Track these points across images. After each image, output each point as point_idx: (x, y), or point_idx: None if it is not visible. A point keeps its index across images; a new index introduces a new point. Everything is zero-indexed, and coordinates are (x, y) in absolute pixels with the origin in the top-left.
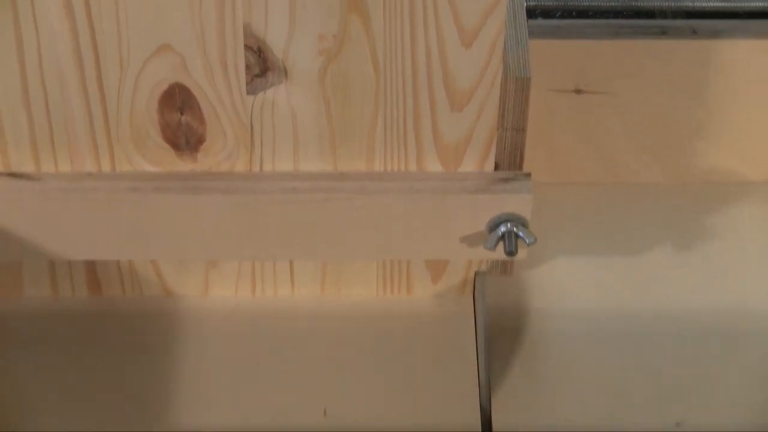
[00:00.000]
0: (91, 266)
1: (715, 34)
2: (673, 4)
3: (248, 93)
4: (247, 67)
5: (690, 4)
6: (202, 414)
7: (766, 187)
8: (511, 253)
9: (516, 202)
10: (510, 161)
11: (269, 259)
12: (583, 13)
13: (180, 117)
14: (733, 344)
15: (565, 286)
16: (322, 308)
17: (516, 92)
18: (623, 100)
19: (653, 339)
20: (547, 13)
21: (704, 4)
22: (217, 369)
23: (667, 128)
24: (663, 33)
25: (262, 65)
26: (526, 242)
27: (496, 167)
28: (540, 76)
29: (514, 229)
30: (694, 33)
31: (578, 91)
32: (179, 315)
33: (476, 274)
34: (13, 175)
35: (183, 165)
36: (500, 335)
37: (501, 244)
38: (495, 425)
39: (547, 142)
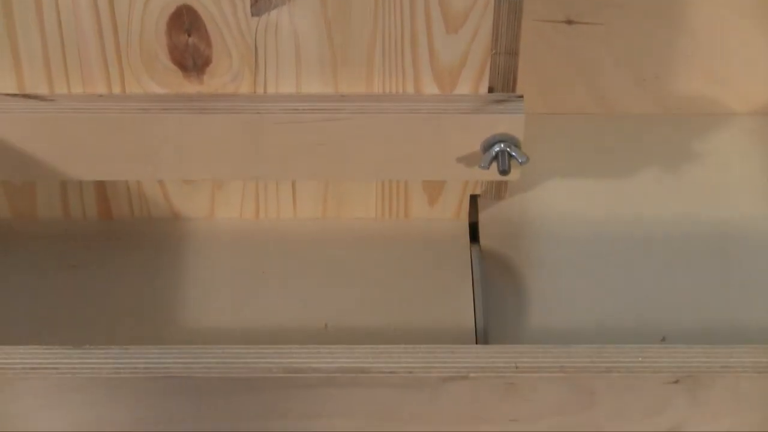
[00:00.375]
0: (101, 189)
1: None
2: None
3: (253, 15)
4: None
5: None
6: (206, 325)
7: (748, 118)
8: (504, 171)
9: (509, 122)
10: (503, 84)
11: (272, 178)
12: None
13: (187, 39)
14: (719, 254)
15: (556, 206)
16: (324, 230)
17: (509, 15)
18: (613, 31)
19: (642, 254)
20: None
21: None
22: (222, 284)
23: (656, 59)
24: None
25: None
26: (518, 161)
27: (490, 90)
28: (531, 7)
29: (508, 149)
30: None
31: (569, 22)
32: (186, 236)
33: (471, 197)
34: (27, 96)
35: (190, 87)
36: (493, 252)
37: (495, 164)
38: (489, 335)
39: (538, 72)
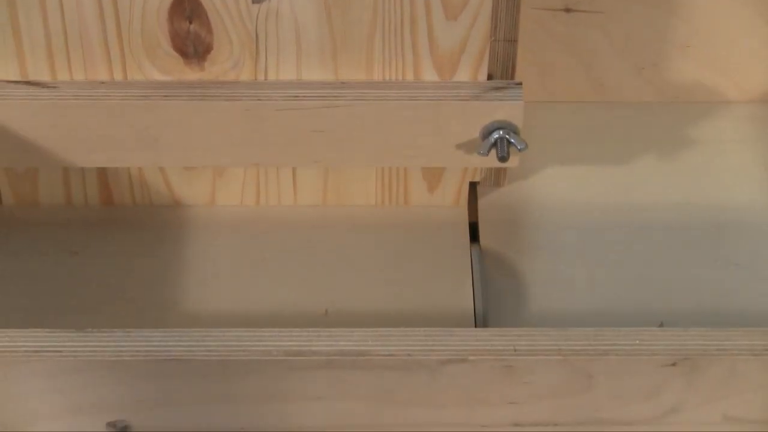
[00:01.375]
0: (103, 176)
1: None
2: None
3: (254, 2)
4: None
5: None
6: (206, 312)
7: (746, 106)
8: (503, 158)
9: (508, 109)
10: (502, 72)
11: (273, 165)
12: None
13: (189, 26)
14: (716, 241)
15: (555, 193)
16: (324, 217)
17: (508, 2)
18: (612, 19)
19: (640, 240)
20: None
21: None
22: (223, 271)
23: (655, 47)
24: None
25: None
26: (517, 148)
27: (489, 77)
28: None
29: (507, 135)
30: None
31: (568, 10)
32: (187, 222)
33: (470, 184)
34: (30, 83)
35: (191, 74)
36: (492, 238)
37: (494, 151)
38: (488, 320)
39: (537, 60)
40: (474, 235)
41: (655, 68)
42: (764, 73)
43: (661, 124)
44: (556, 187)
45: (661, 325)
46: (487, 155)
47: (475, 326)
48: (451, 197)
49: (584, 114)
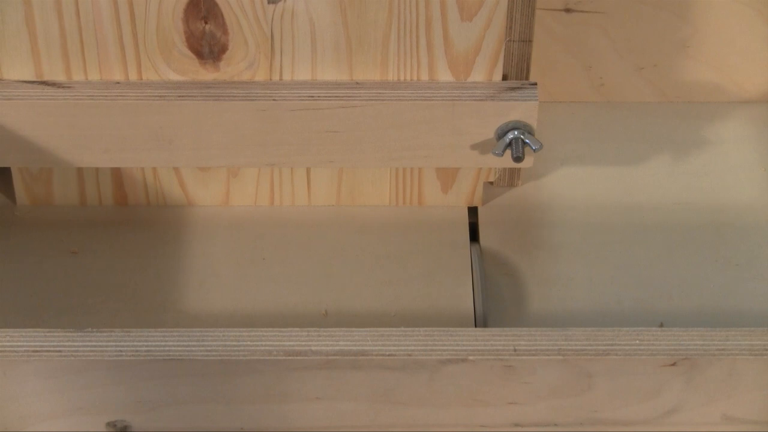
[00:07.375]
0: (117, 177)
1: None
2: None
3: (269, 2)
4: None
5: None
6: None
7: (747, 106)
8: (518, 158)
9: (523, 109)
10: (517, 72)
11: (287, 165)
12: None
13: (204, 26)
14: (716, 240)
15: (555, 193)
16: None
17: (522, 3)
18: (612, 19)
19: (641, 239)
20: None
21: None
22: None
23: (655, 47)
24: None
25: None
26: (532, 148)
27: (504, 78)
28: None
29: (521, 136)
30: None
31: (568, 10)
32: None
33: (485, 184)
34: (44, 83)
35: (206, 74)
36: (494, 239)
37: (509, 151)
38: (488, 320)
39: (537, 60)
40: (474, 235)
41: (655, 68)
42: (764, 73)
43: (661, 124)
44: (556, 187)
45: (661, 325)
46: (502, 155)
47: (475, 326)
48: (465, 197)
49: (584, 114)
